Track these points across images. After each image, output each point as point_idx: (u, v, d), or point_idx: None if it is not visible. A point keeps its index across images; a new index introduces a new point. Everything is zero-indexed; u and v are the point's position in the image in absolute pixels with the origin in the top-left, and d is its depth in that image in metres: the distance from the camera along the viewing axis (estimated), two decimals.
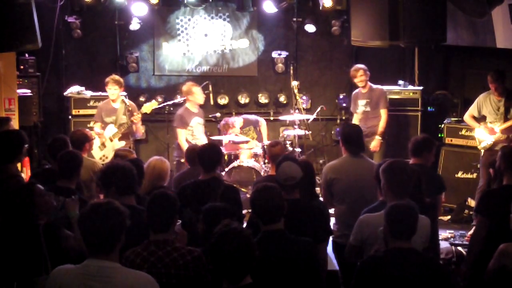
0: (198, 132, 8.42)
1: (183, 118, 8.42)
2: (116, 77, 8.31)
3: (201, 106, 10.26)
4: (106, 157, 7.86)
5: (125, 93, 9.18)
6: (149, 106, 8.32)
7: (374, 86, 8.62)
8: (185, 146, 8.15)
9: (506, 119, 7.74)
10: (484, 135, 7.88)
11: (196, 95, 8.47)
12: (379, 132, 8.41)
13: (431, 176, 5.49)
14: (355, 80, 8.56)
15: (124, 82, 10.15)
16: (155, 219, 3.72)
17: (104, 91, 8.70)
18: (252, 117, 9.35)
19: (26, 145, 5.50)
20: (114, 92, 8.16)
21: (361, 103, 8.58)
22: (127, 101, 8.23)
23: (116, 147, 7.94)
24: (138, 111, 8.19)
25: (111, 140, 7.99)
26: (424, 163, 5.42)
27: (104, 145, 7.98)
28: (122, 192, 4.28)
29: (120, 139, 8.04)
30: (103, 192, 4.60)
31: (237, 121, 8.85)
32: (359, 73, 8.45)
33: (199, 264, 3.65)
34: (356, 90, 8.72)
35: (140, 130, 8.36)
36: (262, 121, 9.30)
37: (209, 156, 5.19)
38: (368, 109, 8.51)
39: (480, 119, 7.98)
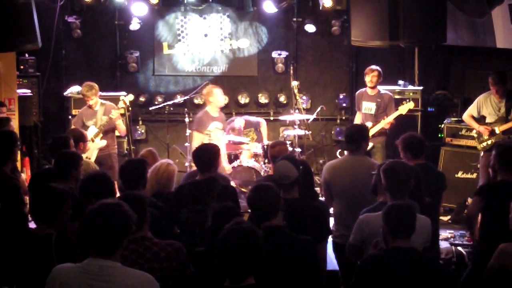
0: (215, 137, 8.17)
1: (202, 122, 8.18)
2: (87, 86, 8.01)
3: (200, 106, 10.30)
4: (89, 158, 7.73)
5: (125, 93, 9.18)
6: (126, 99, 8.26)
7: (383, 91, 8.42)
8: None
9: (507, 120, 7.73)
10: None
11: (217, 96, 8.21)
12: (389, 119, 8.19)
13: (437, 173, 5.55)
14: (366, 79, 8.36)
15: (124, 82, 10.22)
16: None
17: (104, 91, 8.69)
18: (254, 118, 9.33)
19: (18, 145, 5.49)
20: (95, 100, 8.03)
21: (366, 104, 8.37)
22: (121, 102, 8.22)
23: (98, 146, 7.94)
24: (116, 108, 8.09)
25: (93, 141, 7.90)
26: (426, 162, 5.44)
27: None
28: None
29: (101, 138, 7.97)
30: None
31: (240, 122, 8.83)
32: (374, 73, 8.25)
33: (181, 255, 3.71)
34: (362, 90, 8.49)
35: (121, 128, 8.23)
36: (262, 122, 9.31)
37: (203, 157, 5.19)
38: (373, 112, 8.30)
39: (480, 119, 7.97)
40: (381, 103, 8.26)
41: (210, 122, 8.20)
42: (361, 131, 5.61)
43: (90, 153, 7.85)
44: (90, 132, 7.90)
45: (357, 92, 8.62)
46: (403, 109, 8.14)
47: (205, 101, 8.50)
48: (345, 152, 5.62)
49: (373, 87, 8.31)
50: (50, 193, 3.97)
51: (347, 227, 4.58)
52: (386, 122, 8.16)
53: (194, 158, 5.29)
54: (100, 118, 8.00)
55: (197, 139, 8.09)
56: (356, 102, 8.58)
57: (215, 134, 8.24)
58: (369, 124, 8.12)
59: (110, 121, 7.92)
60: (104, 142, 7.97)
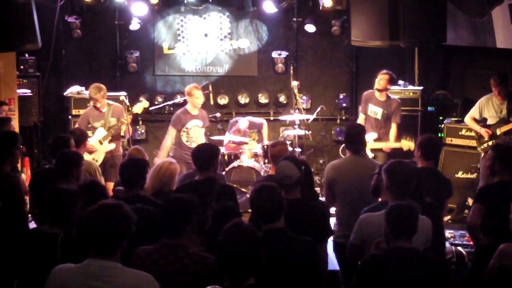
0: (195, 135, 8.25)
1: (180, 119, 8.23)
2: (96, 89, 7.88)
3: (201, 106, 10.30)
4: (96, 160, 7.76)
5: (125, 93, 9.18)
6: (140, 106, 8.23)
7: (392, 96, 8.25)
8: (165, 146, 8.26)
9: (507, 122, 7.73)
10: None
11: (195, 98, 8.21)
12: (391, 145, 8.02)
13: (443, 179, 5.51)
14: (376, 80, 8.16)
15: (124, 82, 10.22)
16: (168, 223, 3.64)
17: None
18: (257, 120, 9.32)
19: (18, 146, 5.50)
20: (103, 101, 7.93)
21: (373, 108, 8.16)
22: (119, 104, 8.17)
23: (106, 150, 7.90)
24: (126, 112, 8.05)
25: (101, 143, 7.86)
26: (433, 166, 5.46)
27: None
28: None
29: (110, 141, 7.92)
30: None
31: (244, 123, 8.83)
32: (383, 76, 8.07)
33: (212, 272, 3.53)
34: (370, 91, 8.27)
35: (130, 131, 8.22)
36: (264, 123, 9.33)
37: (201, 156, 5.19)
38: (378, 117, 8.12)
39: (481, 121, 7.97)
40: (387, 110, 8.06)
41: (189, 120, 8.24)
42: (364, 131, 5.60)
43: (98, 156, 7.84)
44: (98, 134, 7.89)
45: (364, 93, 8.37)
46: (404, 145, 7.94)
47: (184, 98, 8.51)
48: (347, 152, 5.58)
49: (380, 90, 8.06)
50: (61, 194, 3.97)
51: (350, 226, 4.56)
52: (388, 146, 7.95)
53: (193, 158, 5.29)
54: (108, 120, 7.96)
55: (170, 134, 8.26)
56: (362, 103, 8.32)
57: (194, 132, 8.27)
58: (374, 135, 8.00)
59: (121, 125, 7.92)
60: (112, 146, 7.94)
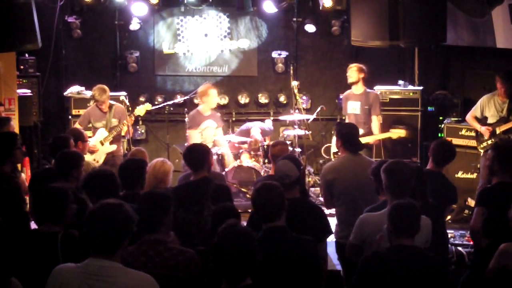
0: (208, 136, 8.27)
1: (195, 120, 8.26)
2: (100, 90, 7.89)
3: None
4: (97, 161, 7.79)
5: (125, 93, 9.18)
6: (142, 109, 8.24)
7: (369, 90, 8.30)
8: None
9: (507, 121, 7.72)
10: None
11: (211, 98, 8.26)
12: (378, 137, 8.07)
13: (449, 185, 5.51)
14: (347, 76, 8.26)
15: (124, 82, 10.23)
16: (145, 218, 3.64)
17: None
18: (267, 127, 9.22)
19: (19, 147, 5.51)
20: (107, 101, 7.96)
21: (352, 104, 8.21)
22: (120, 104, 8.17)
23: (107, 151, 7.91)
24: (128, 113, 8.08)
25: (102, 144, 7.88)
26: (442, 171, 5.47)
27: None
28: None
29: (111, 142, 7.93)
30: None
31: (258, 132, 8.80)
32: (351, 68, 8.17)
33: (192, 265, 3.61)
34: (347, 91, 8.40)
35: (130, 132, 8.24)
36: (272, 129, 9.32)
37: (193, 157, 5.19)
38: (358, 112, 8.14)
39: (482, 119, 7.97)
40: (365, 103, 8.09)
41: (203, 121, 8.26)
42: (358, 131, 5.59)
43: (99, 156, 7.87)
44: (99, 135, 7.89)
45: (343, 94, 8.44)
46: (394, 133, 7.94)
47: (199, 99, 8.51)
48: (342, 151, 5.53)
49: (354, 83, 8.16)
50: (53, 192, 3.98)
51: (351, 226, 4.55)
52: (374, 139, 7.99)
53: (185, 159, 5.28)
54: (110, 120, 7.96)
55: (194, 137, 8.16)
56: (343, 104, 8.42)
57: (208, 133, 8.28)
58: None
59: (123, 127, 7.92)
60: (114, 147, 7.96)
